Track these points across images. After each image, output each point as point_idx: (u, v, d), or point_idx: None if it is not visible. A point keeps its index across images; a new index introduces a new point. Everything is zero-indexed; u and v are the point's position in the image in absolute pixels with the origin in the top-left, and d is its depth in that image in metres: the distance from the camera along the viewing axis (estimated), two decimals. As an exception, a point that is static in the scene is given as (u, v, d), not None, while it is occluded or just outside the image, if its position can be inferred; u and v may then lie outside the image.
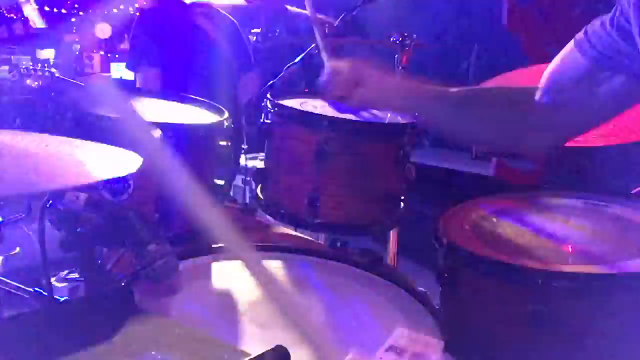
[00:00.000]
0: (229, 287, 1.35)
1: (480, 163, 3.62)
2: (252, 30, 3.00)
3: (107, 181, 1.46)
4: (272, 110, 1.80)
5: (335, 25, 2.57)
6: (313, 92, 2.15)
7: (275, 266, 1.48)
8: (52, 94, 1.62)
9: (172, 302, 1.22)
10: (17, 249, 1.91)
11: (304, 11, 2.90)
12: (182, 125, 1.73)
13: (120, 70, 4.35)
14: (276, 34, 2.92)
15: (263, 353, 0.86)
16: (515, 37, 3.53)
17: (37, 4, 4.28)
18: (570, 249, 1.46)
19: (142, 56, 3.10)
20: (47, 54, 4.32)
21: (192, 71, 2.99)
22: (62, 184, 1.05)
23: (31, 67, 2.90)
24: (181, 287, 1.28)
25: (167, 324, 1.08)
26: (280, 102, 1.82)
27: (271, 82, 2.77)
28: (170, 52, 3.04)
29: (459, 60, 4.12)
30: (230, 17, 3.23)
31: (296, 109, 1.81)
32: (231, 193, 2.80)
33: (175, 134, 1.59)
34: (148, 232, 1.18)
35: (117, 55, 4.45)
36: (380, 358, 1.09)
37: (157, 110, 1.86)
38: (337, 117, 1.74)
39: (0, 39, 3.97)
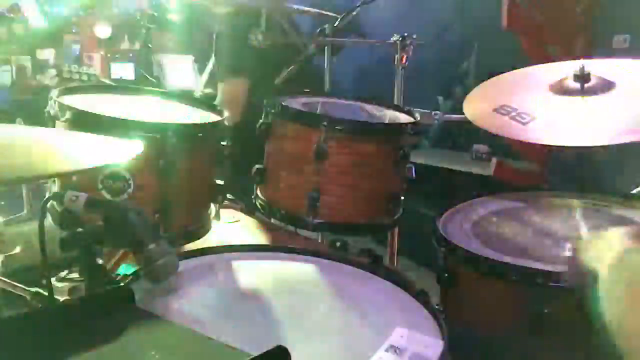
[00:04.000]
0: (229, 287, 1.35)
1: (480, 163, 3.61)
2: (252, 30, 2.98)
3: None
4: (272, 110, 1.80)
5: (335, 25, 2.57)
6: (313, 92, 2.15)
7: (275, 266, 1.48)
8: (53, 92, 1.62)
9: (172, 302, 1.22)
10: (17, 249, 1.91)
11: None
12: (182, 125, 1.73)
13: (120, 71, 4.34)
14: (276, 33, 2.90)
15: (263, 353, 0.86)
16: (515, 37, 3.53)
17: (37, 4, 4.27)
18: (570, 249, 1.47)
19: (230, 64, 2.93)
20: (47, 54, 4.32)
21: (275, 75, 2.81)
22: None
23: (74, 71, 2.79)
24: (181, 287, 1.28)
25: (167, 324, 1.08)
26: (280, 102, 1.82)
27: (272, 82, 2.76)
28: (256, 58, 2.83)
29: (459, 60, 4.11)
30: None
31: (296, 109, 1.81)
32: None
33: (175, 134, 1.59)
34: (148, 232, 1.18)
35: (117, 56, 4.43)
36: (380, 358, 1.09)
37: (158, 110, 1.85)
38: (337, 117, 1.74)
39: (-1, 39, 3.97)
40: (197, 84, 3.39)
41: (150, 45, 3.95)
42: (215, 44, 3.06)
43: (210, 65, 3.25)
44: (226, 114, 1.80)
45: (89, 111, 1.56)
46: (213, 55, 3.15)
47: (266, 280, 1.40)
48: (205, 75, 3.30)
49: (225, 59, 2.99)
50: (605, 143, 1.52)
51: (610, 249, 0.94)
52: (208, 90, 3.19)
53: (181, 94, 2.12)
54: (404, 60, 2.37)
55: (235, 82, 2.92)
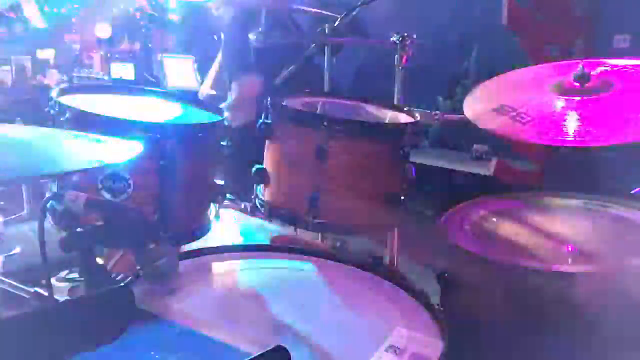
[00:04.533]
0: (229, 287, 1.35)
1: (480, 163, 3.61)
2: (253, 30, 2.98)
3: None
4: (272, 110, 1.80)
5: (335, 25, 2.56)
6: (313, 92, 2.15)
7: (274, 266, 1.48)
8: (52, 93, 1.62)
9: (172, 302, 1.22)
10: (17, 249, 1.91)
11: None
12: (182, 125, 1.73)
13: (120, 71, 4.34)
14: (276, 33, 2.90)
15: (263, 353, 0.86)
16: (515, 37, 3.53)
17: (37, 4, 4.27)
18: (570, 249, 1.47)
19: (240, 63, 2.92)
20: (47, 54, 4.32)
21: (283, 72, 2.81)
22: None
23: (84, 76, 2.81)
24: (181, 287, 1.28)
25: (167, 324, 1.08)
26: (281, 102, 1.82)
27: (272, 82, 2.76)
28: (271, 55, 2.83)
29: (459, 60, 4.11)
30: None
31: (296, 109, 1.81)
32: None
33: (176, 134, 1.59)
34: (148, 232, 1.18)
35: (117, 55, 4.44)
36: (380, 358, 1.09)
37: (158, 110, 1.86)
38: (337, 117, 1.74)
39: (0, 39, 3.97)
40: (198, 84, 3.38)
41: (150, 45, 3.96)
42: (222, 44, 3.05)
43: (214, 67, 3.25)
44: (226, 114, 1.81)
45: (89, 111, 1.56)
46: (219, 55, 3.15)
47: (266, 280, 1.41)
48: (210, 77, 3.30)
49: (235, 59, 2.98)
50: (605, 143, 1.52)
51: None
52: (212, 92, 3.19)
53: (181, 94, 2.12)
54: (404, 60, 2.37)
55: (248, 80, 2.91)
